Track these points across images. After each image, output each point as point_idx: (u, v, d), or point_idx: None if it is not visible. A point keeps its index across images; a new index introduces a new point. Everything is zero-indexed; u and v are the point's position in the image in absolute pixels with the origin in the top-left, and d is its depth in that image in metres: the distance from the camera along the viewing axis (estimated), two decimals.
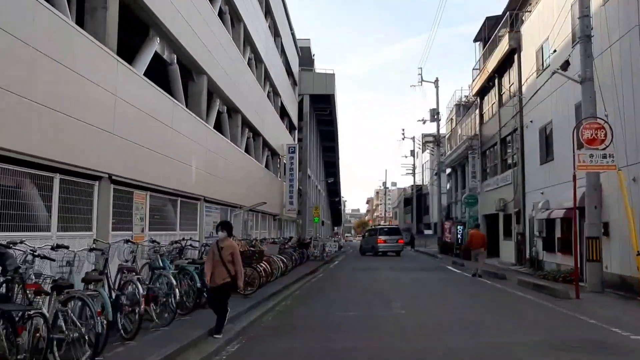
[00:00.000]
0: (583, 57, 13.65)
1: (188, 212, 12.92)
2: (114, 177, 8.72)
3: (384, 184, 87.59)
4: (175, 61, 12.26)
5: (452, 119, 39.82)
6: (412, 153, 60.75)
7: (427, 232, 60.58)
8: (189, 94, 13.91)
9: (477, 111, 29.90)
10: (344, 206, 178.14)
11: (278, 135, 27.23)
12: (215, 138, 15.38)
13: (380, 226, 39.17)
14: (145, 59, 10.50)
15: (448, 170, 40.70)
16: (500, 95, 25.47)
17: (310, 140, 40.59)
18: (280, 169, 28.17)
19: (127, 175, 9.21)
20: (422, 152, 62.17)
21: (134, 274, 6.88)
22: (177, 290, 7.33)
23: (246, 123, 19.86)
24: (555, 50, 16.77)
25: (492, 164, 27.68)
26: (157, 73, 11.73)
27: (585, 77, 13.54)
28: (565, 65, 15.17)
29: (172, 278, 7.47)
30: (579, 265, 15.77)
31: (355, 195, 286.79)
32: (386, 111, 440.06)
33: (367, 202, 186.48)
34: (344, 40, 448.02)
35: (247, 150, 20.60)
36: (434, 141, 39.10)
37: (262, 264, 12.30)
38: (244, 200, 17.63)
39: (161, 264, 8.33)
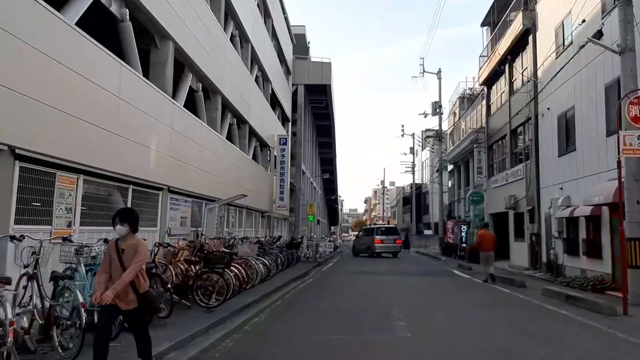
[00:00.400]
0: (622, 24, 11.42)
1: (145, 205, 10.63)
2: (18, 151, 6.43)
3: (382, 182, 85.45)
4: (128, 17, 9.95)
5: (455, 112, 37.59)
6: (412, 150, 58.60)
7: (427, 232, 58.38)
8: (151, 62, 11.64)
9: (484, 102, 27.65)
10: (342, 205, 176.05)
11: (268, 125, 24.97)
12: (185, 118, 13.10)
13: (377, 225, 36.76)
14: (78, 7, 8.20)
15: (450, 167, 38.46)
16: (511, 83, 23.22)
17: (305, 134, 38.35)
18: (270, 162, 25.90)
19: (43, 150, 6.92)
20: (422, 150, 59.94)
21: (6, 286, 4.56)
22: (82, 309, 5.02)
23: (228, 107, 17.58)
24: (584, 21, 14.50)
25: (500, 158, 25.44)
26: (106, 30, 9.44)
27: (625, 46, 11.30)
28: (598, 35, 12.93)
29: (78, 292, 5.17)
30: (610, 272, 13.74)
31: (354, 195, 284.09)
32: (384, 109, 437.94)
33: (365, 202, 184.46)
34: (340, 40, 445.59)
35: (230, 139, 18.33)
36: (436, 136, 36.85)
37: (233, 268, 10.02)
38: (226, 194, 15.35)
39: (82, 272, 6.06)
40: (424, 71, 37.91)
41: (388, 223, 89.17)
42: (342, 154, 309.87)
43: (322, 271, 20.04)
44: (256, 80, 22.48)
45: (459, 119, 35.60)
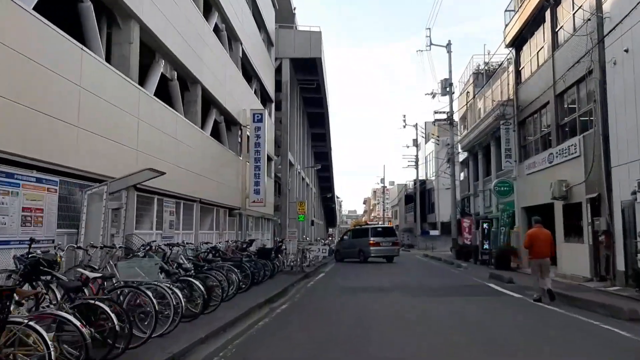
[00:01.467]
0: None
1: None
2: None
3: (382, 180, 79.86)
4: None
5: (468, 92, 32.01)
6: (415, 143, 53.15)
7: (433, 232, 52.80)
8: None
9: (512, 68, 22.13)
10: (340, 206, 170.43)
11: (238, 97, 19.41)
12: (51, 36, 7.51)
13: (371, 225, 30.98)
14: None
15: (462, 158, 32.88)
16: (554, 33, 17.70)
17: (293, 119, 32.82)
18: (243, 145, 20.32)
19: None
20: (426, 143, 54.38)
21: None
22: None
23: (158, 50, 12.01)
24: None
25: (536, 135, 19.91)
26: None
27: None
28: None
29: None
30: None
31: (353, 196, 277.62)
32: (384, 103, 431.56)
33: (364, 203, 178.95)
34: (334, 37, 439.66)
35: (168, 100, 12.77)
36: (447, 119, 31.30)
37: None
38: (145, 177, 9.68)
39: None
40: (430, 44, 32.40)
41: (389, 224, 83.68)
42: (340, 153, 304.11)
43: (307, 288, 14.45)
44: (216, 31, 16.87)
45: (474, 97, 30.09)
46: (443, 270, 21.38)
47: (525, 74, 20.76)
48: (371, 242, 25.87)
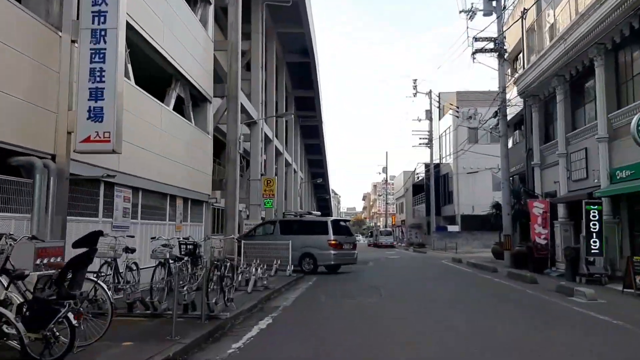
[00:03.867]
0: None
1: None
2: None
3: (385, 169, 68.15)
4: None
5: (524, 9, 20.37)
6: (429, 114, 41.66)
7: (451, 228, 41.31)
8: None
9: None
10: (339, 202, 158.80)
11: None
12: None
13: (316, 217, 19.06)
14: None
15: (511, 116, 21.31)
16: None
17: (256, 44, 21.56)
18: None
19: None
20: (440, 119, 42.88)
21: None
22: None
23: None
24: None
25: None
26: None
27: None
28: None
29: None
30: None
31: (352, 194, 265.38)
32: (383, 95, 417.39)
33: (364, 199, 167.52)
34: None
35: None
36: (495, 45, 19.80)
37: None
38: None
39: None
40: None
41: (392, 219, 71.96)
42: (338, 150, 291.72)
43: None
44: None
45: (543, 11, 18.64)
46: (535, 302, 9.92)
47: None
48: (332, 242, 15.07)
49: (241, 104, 17.79)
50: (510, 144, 21.88)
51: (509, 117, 20.62)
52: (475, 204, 40.12)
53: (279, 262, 13.91)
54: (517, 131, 23.24)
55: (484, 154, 33.38)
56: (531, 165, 19.40)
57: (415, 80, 46.88)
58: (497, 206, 22.54)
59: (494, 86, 23.35)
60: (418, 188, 52.77)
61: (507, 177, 19.72)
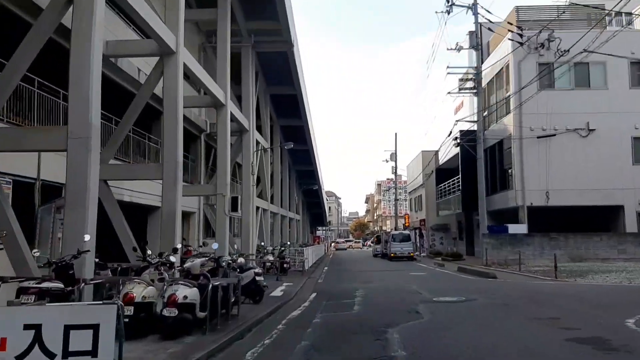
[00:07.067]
0: None
1: None
2: None
3: (393, 155, 52.24)
4: None
5: None
6: (473, 38, 25.90)
7: (514, 229, 25.41)
8: None
9: None
10: (339, 205, 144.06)
11: None
12: None
13: None
14: None
15: None
16: None
17: None
18: None
19: None
20: (489, 54, 27.28)
21: None
22: None
23: None
24: None
25: None
26: None
27: None
28: None
29: None
30: None
31: (354, 197, 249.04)
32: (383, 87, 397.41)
33: (366, 201, 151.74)
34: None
35: None
36: None
37: None
38: None
39: None
40: None
41: (406, 220, 55.80)
42: (336, 150, 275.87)
43: None
44: None
45: None
46: None
47: None
48: None
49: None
50: None
51: None
52: (554, 189, 24.88)
53: None
54: None
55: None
56: None
57: None
58: None
59: None
60: (444, 173, 37.15)
61: None
